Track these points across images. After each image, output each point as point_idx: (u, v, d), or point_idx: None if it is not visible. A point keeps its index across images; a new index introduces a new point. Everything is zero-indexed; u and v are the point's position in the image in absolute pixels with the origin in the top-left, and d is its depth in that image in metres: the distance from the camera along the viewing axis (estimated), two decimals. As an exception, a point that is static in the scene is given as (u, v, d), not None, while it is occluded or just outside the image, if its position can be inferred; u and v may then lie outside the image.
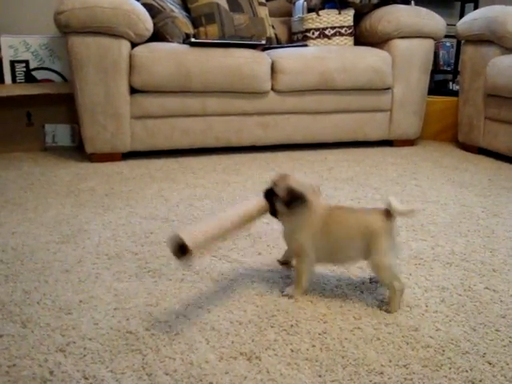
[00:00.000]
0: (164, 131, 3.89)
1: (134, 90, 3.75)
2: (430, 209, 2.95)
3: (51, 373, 1.46)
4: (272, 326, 1.71)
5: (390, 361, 1.55)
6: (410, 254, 2.29)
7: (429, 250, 2.37)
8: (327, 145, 4.50)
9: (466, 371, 1.51)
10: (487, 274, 2.14)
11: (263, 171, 3.66)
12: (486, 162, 4.17)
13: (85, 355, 1.55)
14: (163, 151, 4.05)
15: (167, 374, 1.47)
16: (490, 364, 1.55)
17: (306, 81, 4.05)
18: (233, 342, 1.62)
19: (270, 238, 2.46)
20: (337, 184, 3.37)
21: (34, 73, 4.40)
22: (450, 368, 1.53)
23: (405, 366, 1.53)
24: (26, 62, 4.36)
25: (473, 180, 3.60)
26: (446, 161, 4.19)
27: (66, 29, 3.50)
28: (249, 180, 3.43)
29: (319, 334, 1.67)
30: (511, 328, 1.74)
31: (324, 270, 2.09)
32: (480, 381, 1.47)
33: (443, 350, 1.61)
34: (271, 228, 2.57)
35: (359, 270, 2.11)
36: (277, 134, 4.17)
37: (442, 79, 6.08)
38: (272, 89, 4.03)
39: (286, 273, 2.10)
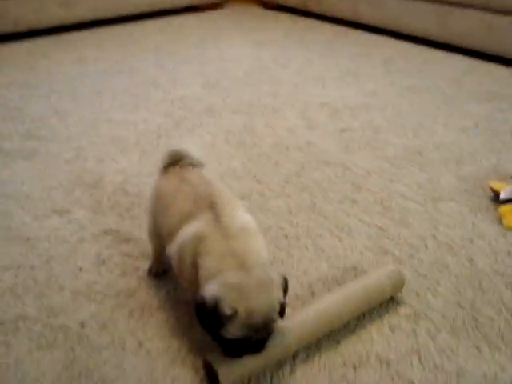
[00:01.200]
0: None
1: None
2: (226, 67, 3.25)
3: None
4: (79, 186, 1.95)
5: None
6: (203, 108, 2.61)
7: (220, 101, 2.70)
8: (136, 17, 4.51)
9: (240, 191, 1.90)
10: (268, 115, 2.53)
11: (70, 54, 3.65)
12: (284, 19, 4.50)
13: None
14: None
15: (-12, 240, 1.68)
16: (259, 182, 1.95)
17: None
18: (46, 204, 1.85)
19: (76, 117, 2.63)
20: (142, 54, 3.53)
21: None
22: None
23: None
24: None
25: (269, 36, 3.93)
26: (247, 21, 4.47)
27: None
28: (54, 63, 3.44)
29: (120, 184, 1.96)
30: (279, 153, 2.16)
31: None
32: (250, 196, 1.87)
33: (222, 177, 1.98)
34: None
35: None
36: (80, 11, 4.11)
37: None
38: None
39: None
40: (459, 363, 1.26)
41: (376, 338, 1.32)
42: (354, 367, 1.25)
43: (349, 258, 1.59)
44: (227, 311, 1.03)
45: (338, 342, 1.31)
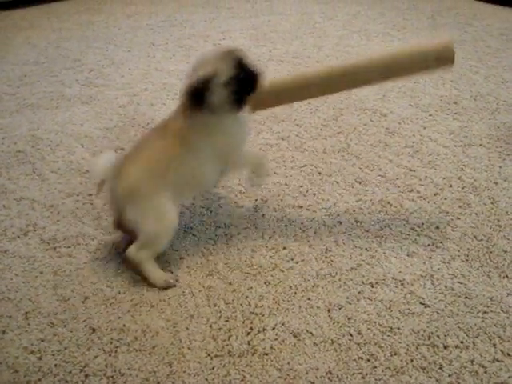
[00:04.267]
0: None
1: None
2: (274, 20, 3.35)
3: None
4: (132, 126, 2.14)
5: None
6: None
7: (267, 52, 2.82)
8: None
9: (279, 133, 2.03)
10: (311, 66, 2.64)
11: (125, 9, 3.82)
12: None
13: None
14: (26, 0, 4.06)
15: (53, 172, 1.89)
16: (298, 125, 2.08)
17: None
18: (102, 142, 2.05)
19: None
20: (193, 8, 3.66)
21: None
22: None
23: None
24: None
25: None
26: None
27: None
28: (110, 18, 3.63)
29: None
30: (319, 100, 2.27)
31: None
32: (289, 137, 2.00)
33: (264, 121, 2.12)
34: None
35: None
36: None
37: None
38: None
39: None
40: (469, 287, 1.38)
41: (394, 262, 1.46)
42: (371, 285, 1.39)
43: (376, 193, 1.72)
44: (208, 74, 1.28)
45: (359, 265, 1.45)
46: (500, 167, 1.85)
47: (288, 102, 1.61)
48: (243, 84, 1.33)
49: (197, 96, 1.30)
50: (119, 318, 1.31)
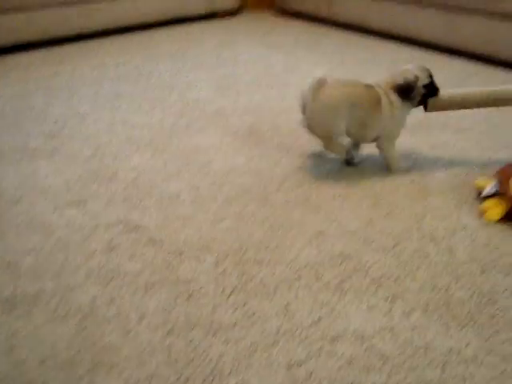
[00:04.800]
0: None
1: None
2: (238, 71, 3.43)
3: None
4: (95, 180, 2.15)
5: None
6: (214, 109, 2.79)
7: (231, 104, 2.87)
8: (153, 26, 4.71)
9: (241, 185, 2.05)
10: (274, 117, 2.70)
11: (91, 60, 3.87)
12: (297, 25, 4.67)
13: None
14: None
15: (12, 228, 1.88)
16: (260, 178, 2.10)
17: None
18: (65, 195, 2.05)
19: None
20: (160, 60, 3.72)
21: None
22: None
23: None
24: None
25: (281, 42, 4.11)
26: (261, 27, 4.64)
27: None
28: (77, 69, 3.66)
29: (133, 179, 2.14)
30: (282, 151, 2.31)
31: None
32: (251, 190, 2.02)
33: (227, 173, 2.14)
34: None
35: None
36: (101, 19, 4.32)
37: None
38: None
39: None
40: (428, 339, 1.40)
41: (354, 315, 1.47)
42: (332, 340, 1.40)
43: (336, 245, 1.75)
44: (412, 77, 2.07)
45: (319, 319, 1.46)
46: (457, 216, 1.89)
47: (451, 109, 2.21)
48: (430, 90, 2.08)
49: (405, 90, 2.06)
50: (77, 381, 1.28)
